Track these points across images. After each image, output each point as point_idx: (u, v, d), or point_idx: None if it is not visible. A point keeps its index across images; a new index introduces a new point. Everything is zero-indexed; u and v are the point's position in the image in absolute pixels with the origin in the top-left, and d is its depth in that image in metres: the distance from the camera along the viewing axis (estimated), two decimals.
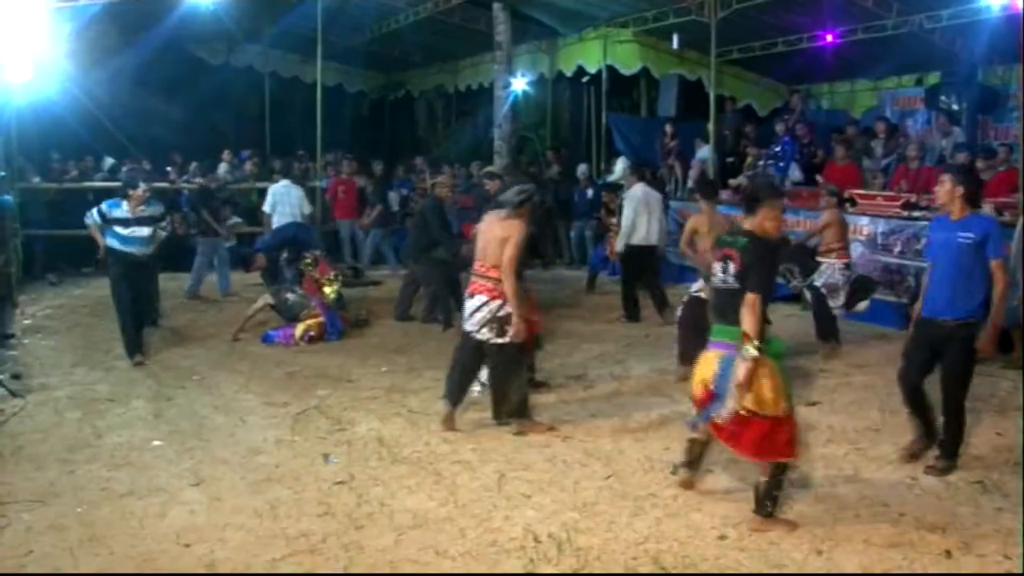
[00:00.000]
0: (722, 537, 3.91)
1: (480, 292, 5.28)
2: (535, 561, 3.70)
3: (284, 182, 10.61)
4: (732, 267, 3.95)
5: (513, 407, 5.37)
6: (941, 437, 4.75)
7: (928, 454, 4.79)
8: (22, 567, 3.66)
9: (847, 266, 7.48)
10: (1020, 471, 4.67)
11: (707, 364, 4.07)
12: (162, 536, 3.93)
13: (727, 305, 3.97)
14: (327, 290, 8.13)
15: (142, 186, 7.27)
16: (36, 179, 11.49)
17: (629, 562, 3.69)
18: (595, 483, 4.56)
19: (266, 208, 10.47)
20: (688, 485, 4.43)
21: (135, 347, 7.14)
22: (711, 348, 4.07)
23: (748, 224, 4.07)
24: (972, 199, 4.66)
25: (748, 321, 3.80)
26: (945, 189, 4.65)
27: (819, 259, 7.38)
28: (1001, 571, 3.65)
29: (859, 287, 7.47)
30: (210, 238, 10.11)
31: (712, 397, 3.97)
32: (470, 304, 5.35)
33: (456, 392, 5.51)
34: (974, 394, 6.19)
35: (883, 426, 5.49)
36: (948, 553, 3.76)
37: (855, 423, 5.48)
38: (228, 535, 3.94)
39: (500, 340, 5.21)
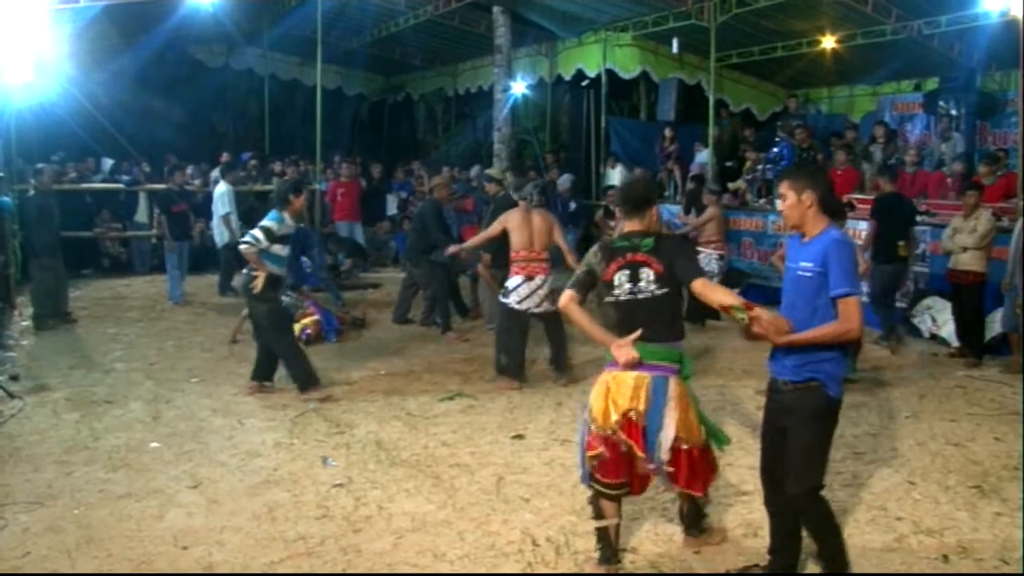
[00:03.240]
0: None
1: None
2: (533, 564, 3.70)
3: (213, 176, 10.66)
4: (650, 273, 3.46)
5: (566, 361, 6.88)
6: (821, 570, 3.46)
7: None
8: (19, 568, 3.65)
9: (721, 257, 8.98)
10: (1020, 475, 4.67)
11: (627, 390, 3.42)
12: (160, 538, 3.92)
13: (650, 318, 3.43)
14: None
15: (305, 192, 6.14)
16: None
17: (626, 565, 3.69)
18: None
19: None
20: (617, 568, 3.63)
21: (312, 376, 6.15)
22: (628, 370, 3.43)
23: (636, 225, 3.60)
24: (829, 207, 3.36)
25: (719, 297, 3.32)
26: (788, 203, 3.27)
27: (699, 249, 8.38)
28: (998, 574, 3.65)
29: (730, 277, 8.99)
30: (171, 242, 9.88)
31: (643, 434, 3.38)
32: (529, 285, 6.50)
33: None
34: (972, 400, 6.25)
35: (881, 431, 5.50)
36: (945, 558, 3.77)
37: (853, 428, 5.48)
38: (226, 537, 3.94)
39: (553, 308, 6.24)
